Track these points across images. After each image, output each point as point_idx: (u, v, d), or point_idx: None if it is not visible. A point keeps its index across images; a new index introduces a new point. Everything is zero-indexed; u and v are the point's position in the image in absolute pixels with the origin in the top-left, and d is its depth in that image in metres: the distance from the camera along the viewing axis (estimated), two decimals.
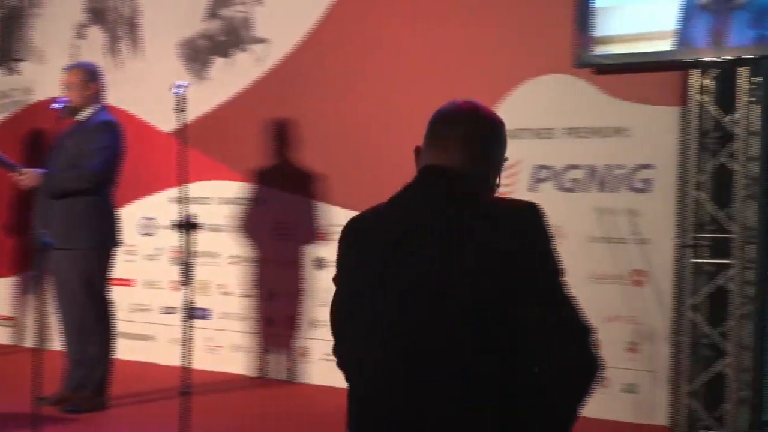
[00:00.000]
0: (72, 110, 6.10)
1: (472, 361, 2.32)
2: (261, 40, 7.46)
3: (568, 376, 2.32)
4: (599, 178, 6.09)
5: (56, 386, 6.03)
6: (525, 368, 2.33)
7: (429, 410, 2.34)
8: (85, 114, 6.14)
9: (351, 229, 2.63)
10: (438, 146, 2.60)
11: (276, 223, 7.31)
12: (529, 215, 2.40)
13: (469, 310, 2.32)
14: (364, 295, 2.50)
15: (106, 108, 6.26)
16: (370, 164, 6.83)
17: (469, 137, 2.60)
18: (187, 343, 5.06)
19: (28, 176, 6.02)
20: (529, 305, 2.32)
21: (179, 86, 5.23)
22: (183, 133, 5.22)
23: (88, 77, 6.18)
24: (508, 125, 6.37)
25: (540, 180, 6.23)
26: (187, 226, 5.18)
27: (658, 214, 5.84)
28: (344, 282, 2.61)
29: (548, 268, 2.40)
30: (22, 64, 8.81)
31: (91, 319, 6.08)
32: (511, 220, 2.39)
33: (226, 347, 7.44)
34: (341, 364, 2.68)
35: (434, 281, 2.37)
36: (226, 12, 7.64)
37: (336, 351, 2.70)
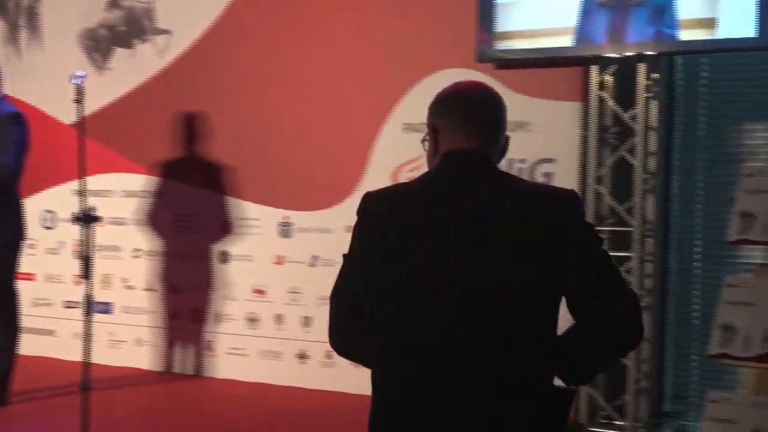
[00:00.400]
0: None
1: (530, 318, 2.59)
2: (163, 31, 7.39)
3: (622, 333, 2.62)
4: None
5: None
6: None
7: (499, 364, 2.56)
8: None
9: (389, 207, 2.74)
10: (469, 130, 2.73)
11: (177, 216, 7.25)
12: (568, 194, 2.66)
13: (529, 277, 2.57)
14: (421, 268, 2.62)
15: (5, 98, 6.15)
16: (274, 157, 6.83)
17: (494, 121, 2.77)
18: (87, 337, 5.00)
19: None
20: (585, 273, 2.62)
21: (78, 77, 5.14)
22: (82, 125, 5.15)
23: None
24: (411, 120, 6.48)
25: None
26: (86, 219, 5.11)
27: None
28: (384, 255, 2.68)
29: (597, 240, 2.70)
30: None
31: (7, 316, 6.02)
32: (555, 198, 2.65)
33: (130, 342, 7.38)
34: (354, 338, 2.80)
35: (500, 254, 2.57)
36: (127, 2, 7.56)
37: (344, 327, 2.80)
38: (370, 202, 2.75)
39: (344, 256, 2.79)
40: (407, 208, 2.70)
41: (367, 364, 2.81)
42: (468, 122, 2.73)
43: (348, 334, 2.80)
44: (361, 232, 2.74)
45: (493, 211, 2.61)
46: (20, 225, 6.10)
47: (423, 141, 2.84)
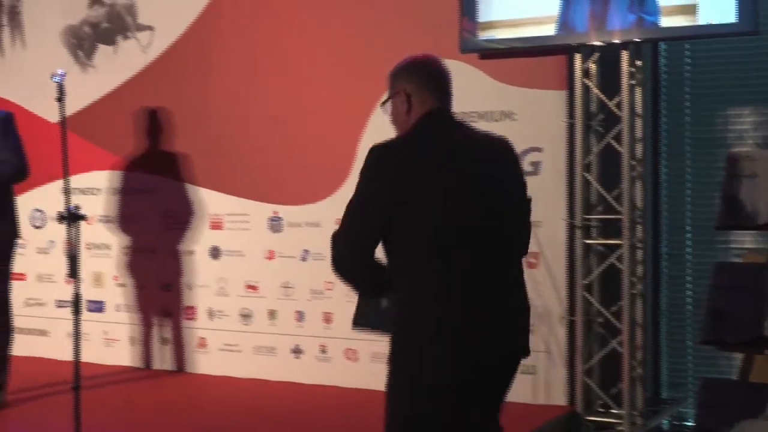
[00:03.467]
0: None
1: (517, 232, 3.46)
2: (146, 27, 7.38)
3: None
4: None
5: None
6: None
7: (511, 267, 3.41)
8: None
9: (400, 155, 3.28)
10: (441, 93, 3.43)
11: (167, 212, 7.25)
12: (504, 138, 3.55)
13: (516, 200, 3.44)
14: (453, 205, 3.22)
15: None
16: (262, 151, 6.83)
17: (451, 85, 3.50)
18: (76, 337, 5.00)
19: None
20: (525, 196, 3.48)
21: (58, 75, 5.14)
22: (64, 123, 5.14)
23: None
24: None
25: None
26: (72, 217, 5.09)
27: (548, 197, 5.92)
28: (406, 204, 3.20)
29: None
30: None
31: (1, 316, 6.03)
32: (503, 141, 3.51)
33: (122, 340, 7.38)
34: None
35: (497, 183, 3.35)
36: None
37: (359, 256, 3.30)
38: (385, 155, 3.27)
39: (353, 200, 3.28)
40: (421, 159, 3.26)
41: (365, 292, 3.44)
42: (437, 86, 3.43)
43: (361, 265, 3.31)
44: (377, 180, 3.24)
45: (486, 160, 3.36)
46: (14, 224, 6.12)
47: (383, 104, 3.50)
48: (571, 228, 5.87)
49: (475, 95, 6.14)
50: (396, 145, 3.33)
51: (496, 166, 3.39)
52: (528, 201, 3.49)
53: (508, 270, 3.37)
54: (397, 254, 3.27)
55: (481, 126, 6.04)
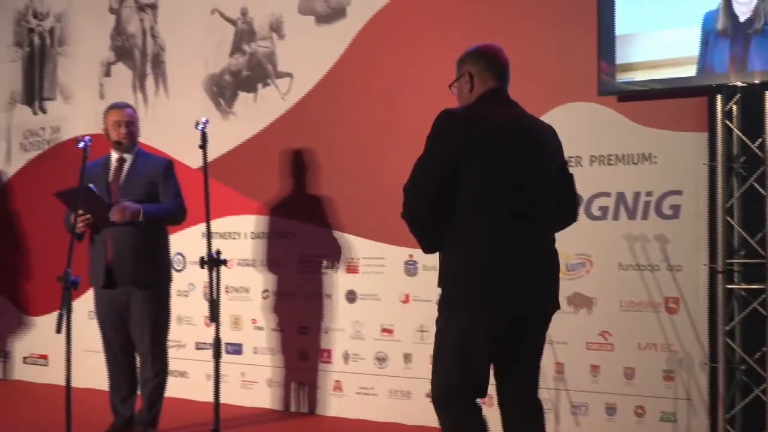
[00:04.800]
0: (122, 146, 6.21)
1: (552, 198, 4.08)
2: (285, 75, 7.52)
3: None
4: (627, 206, 6.08)
5: (92, 424, 6.06)
6: None
7: (543, 227, 4.05)
8: (132, 151, 6.27)
9: (473, 122, 3.97)
10: (499, 76, 4.16)
11: (304, 256, 7.33)
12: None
13: (552, 171, 4.10)
14: (504, 166, 3.91)
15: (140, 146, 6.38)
16: (392, 196, 6.83)
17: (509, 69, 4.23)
18: (217, 380, 5.07)
19: (128, 212, 5.96)
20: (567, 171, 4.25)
21: (202, 123, 5.36)
22: (206, 169, 5.27)
23: (136, 117, 6.38)
24: None
25: None
26: (213, 262, 5.20)
27: (689, 241, 5.83)
28: (472, 158, 3.89)
29: None
30: (49, 103, 8.90)
31: (158, 355, 6.20)
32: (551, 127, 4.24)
33: (260, 382, 7.46)
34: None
35: (538, 155, 4.03)
36: (250, 47, 7.71)
37: (426, 211, 3.96)
38: (449, 118, 3.97)
39: (421, 156, 4.00)
40: (478, 124, 3.95)
41: (425, 242, 4.07)
42: (497, 70, 4.15)
43: (425, 213, 3.95)
44: (442, 139, 3.95)
45: (531, 134, 4.05)
46: (170, 268, 6.40)
47: (450, 86, 4.27)
48: (713, 273, 5.73)
49: (613, 138, 6.08)
50: (459, 111, 4.03)
51: (538, 140, 4.06)
52: (571, 176, 4.24)
53: (539, 228, 3.99)
54: (451, 207, 3.89)
55: (620, 169, 6.04)
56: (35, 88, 8.98)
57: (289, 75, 7.50)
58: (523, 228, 3.89)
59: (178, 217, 6.27)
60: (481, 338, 3.86)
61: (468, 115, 4.00)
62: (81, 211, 5.89)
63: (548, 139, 4.12)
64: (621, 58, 5.88)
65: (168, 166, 6.29)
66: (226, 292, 7.48)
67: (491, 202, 3.86)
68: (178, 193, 6.24)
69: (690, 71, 5.67)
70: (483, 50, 4.19)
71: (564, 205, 4.18)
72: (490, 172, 3.87)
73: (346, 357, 7.11)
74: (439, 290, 3.99)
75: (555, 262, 4.06)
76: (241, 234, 7.58)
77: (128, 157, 6.23)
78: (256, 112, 7.63)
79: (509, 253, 3.85)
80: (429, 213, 3.93)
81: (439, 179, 3.88)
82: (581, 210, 6.10)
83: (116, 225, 5.96)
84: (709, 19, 5.62)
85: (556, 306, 4.07)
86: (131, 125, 6.24)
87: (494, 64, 4.15)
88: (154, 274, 6.14)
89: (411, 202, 3.96)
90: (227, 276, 6.72)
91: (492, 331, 3.86)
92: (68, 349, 5.29)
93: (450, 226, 3.91)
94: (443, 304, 3.95)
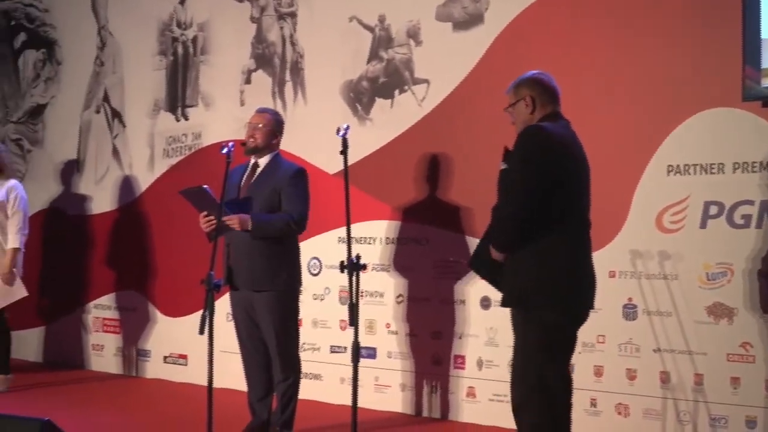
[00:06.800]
0: (254, 151, 6.29)
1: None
2: (422, 81, 7.54)
3: None
4: None
5: (231, 422, 6.18)
6: None
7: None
8: (266, 157, 6.32)
9: (559, 141, 4.65)
10: (555, 100, 4.86)
11: (440, 262, 7.34)
12: None
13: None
14: (577, 180, 4.71)
15: (281, 153, 6.45)
16: None
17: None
18: (355, 384, 5.11)
19: (236, 221, 6.03)
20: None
21: (343, 129, 5.41)
22: (347, 175, 5.32)
23: (277, 126, 6.40)
24: (676, 160, 6.47)
25: (710, 216, 6.08)
26: (353, 266, 5.25)
27: None
28: (562, 173, 4.60)
29: None
30: (191, 110, 9.11)
31: (286, 357, 6.25)
32: None
33: (393, 386, 7.49)
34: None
35: (587, 170, 4.83)
36: (387, 54, 7.76)
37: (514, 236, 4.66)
38: (545, 139, 4.60)
39: (520, 176, 4.60)
40: (561, 144, 4.63)
41: (506, 246, 4.74)
42: (552, 95, 4.84)
43: (515, 239, 4.63)
44: (541, 158, 4.56)
45: (582, 152, 4.80)
46: (299, 271, 6.39)
47: (506, 109, 4.97)
48: None
49: (757, 144, 5.92)
50: (550, 128, 4.61)
51: (586, 158, 4.79)
52: None
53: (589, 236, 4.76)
54: (537, 219, 4.52)
55: (764, 177, 5.88)
56: (178, 95, 9.20)
57: (426, 81, 7.53)
58: (588, 236, 4.75)
59: (290, 230, 6.17)
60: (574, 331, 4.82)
61: (553, 133, 4.60)
62: (205, 213, 6.03)
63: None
64: (767, 62, 5.74)
65: (296, 174, 6.26)
66: (361, 296, 7.52)
67: (573, 212, 4.66)
68: (299, 202, 6.19)
69: None
70: (539, 77, 4.90)
71: None
72: (568, 188, 4.62)
73: (480, 363, 7.09)
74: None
75: None
76: (375, 239, 7.63)
77: (262, 162, 6.31)
78: (393, 118, 7.67)
79: (588, 259, 4.75)
80: (528, 218, 4.54)
81: (538, 194, 4.54)
82: (723, 218, 5.98)
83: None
84: None
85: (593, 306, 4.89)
86: (260, 129, 6.28)
87: (550, 90, 4.86)
88: (274, 278, 6.16)
89: (520, 207, 4.57)
90: (362, 281, 6.75)
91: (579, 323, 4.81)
92: (210, 350, 5.40)
93: (539, 234, 4.56)
94: (544, 302, 4.67)
